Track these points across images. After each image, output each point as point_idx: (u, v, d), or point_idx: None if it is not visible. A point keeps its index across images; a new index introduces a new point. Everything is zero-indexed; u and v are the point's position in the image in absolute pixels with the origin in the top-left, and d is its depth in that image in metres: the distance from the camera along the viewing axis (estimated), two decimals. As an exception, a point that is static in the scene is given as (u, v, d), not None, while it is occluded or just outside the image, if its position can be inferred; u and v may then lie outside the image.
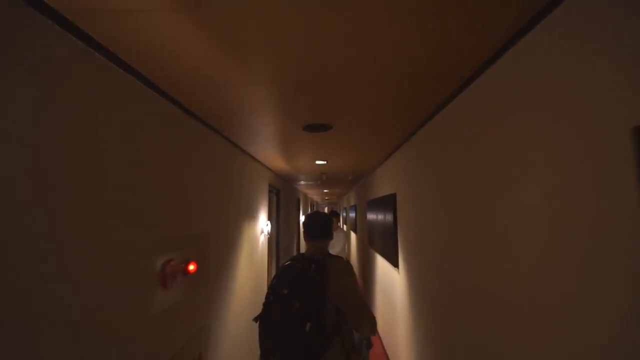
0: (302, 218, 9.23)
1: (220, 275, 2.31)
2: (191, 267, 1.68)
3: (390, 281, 3.45)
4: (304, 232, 1.72)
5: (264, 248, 4.00)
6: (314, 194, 10.15)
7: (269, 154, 3.21)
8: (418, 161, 2.29)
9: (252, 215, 3.47)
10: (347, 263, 1.57)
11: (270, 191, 4.89)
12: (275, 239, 5.04)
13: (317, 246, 1.65)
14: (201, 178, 1.88)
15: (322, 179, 5.53)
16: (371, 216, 4.81)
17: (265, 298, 1.44)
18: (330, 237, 1.73)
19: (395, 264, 3.10)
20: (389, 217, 3.33)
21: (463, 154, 1.45)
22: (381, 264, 4.04)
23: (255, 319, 1.42)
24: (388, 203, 3.42)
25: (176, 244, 1.58)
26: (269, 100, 1.63)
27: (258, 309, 1.52)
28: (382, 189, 3.98)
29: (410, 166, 2.56)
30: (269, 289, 1.46)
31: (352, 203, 8.86)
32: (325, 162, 3.84)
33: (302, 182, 6.29)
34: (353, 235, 9.03)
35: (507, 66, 1.06)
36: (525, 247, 0.97)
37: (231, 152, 2.74)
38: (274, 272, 4.96)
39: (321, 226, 1.69)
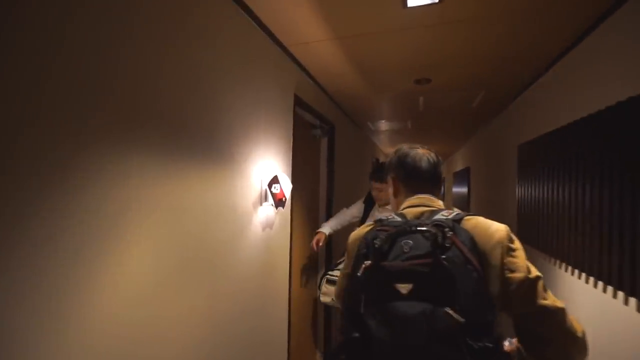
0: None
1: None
2: None
3: None
4: (400, 176, 0.97)
5: (282, 239, 1.72)
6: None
7: None
8: None
9: (221, 155, 1.21)
10: (505, 227, 0.78)
11: (314, 127, 2.54)
12: (324, 215, 2.71)
13: (427, 201, 0.89)
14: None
15: (417, 107, 2.89)
16: (547, 185, 2.06)
17: (349, 304, 0.79)
18: (442, 185, 0.99)
19: None
20: None
21: None
22: None
23: (340, 351, 0.76)
24: None
25: None
26: None
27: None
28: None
29: None
30: (355, 282, 0.77)
31: (459, 167, 5.92)
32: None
33: (383, 123, 3.73)
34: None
35: None
36: None
37: None
38: (318, 296, 2.66)
39: (432, 165, 0.94)
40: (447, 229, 0.72)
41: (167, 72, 0.99)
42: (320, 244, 2.10)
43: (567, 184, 1.62)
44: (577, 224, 1.52)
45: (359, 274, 0.74)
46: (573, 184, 1.57)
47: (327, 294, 2.03)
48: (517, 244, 0.77)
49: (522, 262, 0.74)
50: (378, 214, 2.05)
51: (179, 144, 1.04)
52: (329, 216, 2.74)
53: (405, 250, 0.71)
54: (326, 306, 2.45)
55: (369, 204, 2.17)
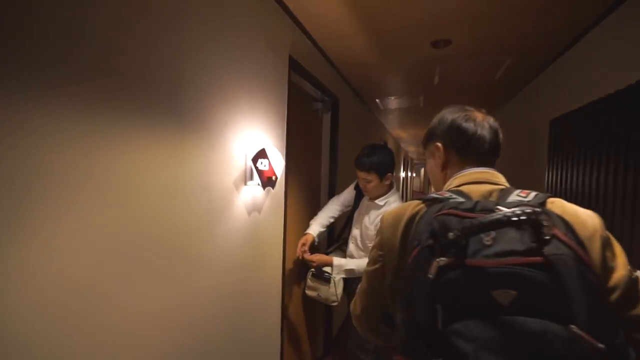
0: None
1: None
2: None
3: None
4: (456, 144, 0.79)
5: (274, 224, 1.47)
6: (409, 140, 7.07)
7: None
8: None
9: (191, 118, 0.94)
10: (595, 213, 0.65)
11: (315, 100, 2.26)
12: (326, 197, 2.45)
13: (491, 176, 0.74)
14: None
15: (432, 79, 2.57)
16: None
17: (415, 317, 0.57)
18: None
19: None
20: None
21: None
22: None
23: None
24: None
25: None
26: None
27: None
28: None
29: None
30: (424, 287, 0.56)
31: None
32: None
33: (392, 100, 3.42)
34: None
35: None
36: None
37: None
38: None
39: (494, 133, 0.78)
40: (542, 216, 0.53)
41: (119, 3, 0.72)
42: (305, 248, 1.76)
43: (622, 166, 1.32)
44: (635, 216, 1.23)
45: (430, 276, 0.55)
46: (632, 166, 1.27)
47: (312, 288, 1.80)
48: (610, 235, 0.63)
49: (622, 258, 0.62)
50: (365, 212, 1.74)
51: (131, 100, 0.78)
52: (331, 189, 2.49)
53: (487, 243, 0.54)
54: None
55: (360, 191, 1.82)
